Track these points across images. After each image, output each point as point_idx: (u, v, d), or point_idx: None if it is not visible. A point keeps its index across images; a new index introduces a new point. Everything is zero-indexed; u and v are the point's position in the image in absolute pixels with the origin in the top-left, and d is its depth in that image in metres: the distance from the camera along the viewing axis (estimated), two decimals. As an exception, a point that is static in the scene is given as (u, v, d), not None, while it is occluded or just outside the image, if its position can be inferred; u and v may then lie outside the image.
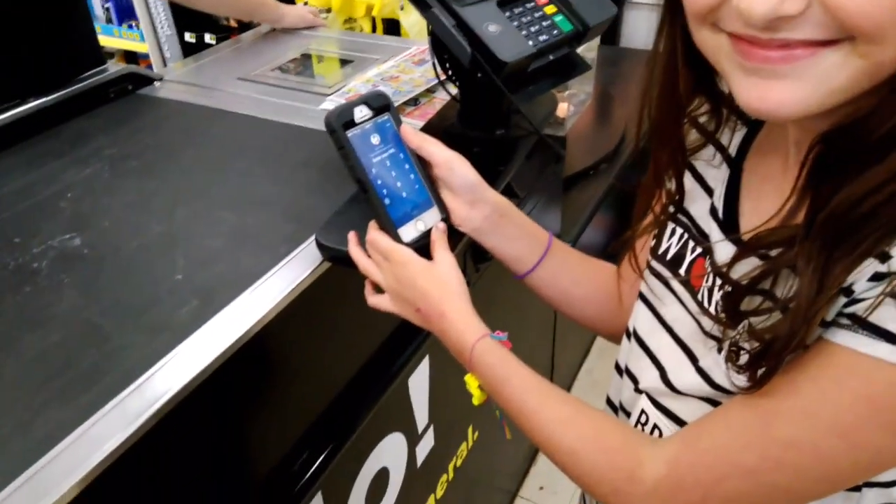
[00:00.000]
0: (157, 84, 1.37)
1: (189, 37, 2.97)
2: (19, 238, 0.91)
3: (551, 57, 0.88)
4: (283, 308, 0.79)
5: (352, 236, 0.76)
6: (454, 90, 1.00)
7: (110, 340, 0.75)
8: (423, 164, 0.75)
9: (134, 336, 0.76)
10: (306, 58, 1.51)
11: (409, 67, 1.42)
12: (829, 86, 0.43)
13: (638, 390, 0.68)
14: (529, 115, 0.93)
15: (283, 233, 0.92)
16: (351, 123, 0.70)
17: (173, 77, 1.41)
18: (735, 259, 0.54)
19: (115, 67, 1.35)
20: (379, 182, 0.71)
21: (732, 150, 0.62)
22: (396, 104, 1.25)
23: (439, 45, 0.91)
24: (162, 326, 0.77)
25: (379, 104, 0.72)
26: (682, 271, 0.63)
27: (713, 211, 0.61)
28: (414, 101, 1.29)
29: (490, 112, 0.95)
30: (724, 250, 0.57)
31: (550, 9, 0.89)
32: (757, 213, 0.57)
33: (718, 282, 0.57)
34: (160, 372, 0.71)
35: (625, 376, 0.72)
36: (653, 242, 0.68)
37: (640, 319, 0.70)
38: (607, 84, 2.30)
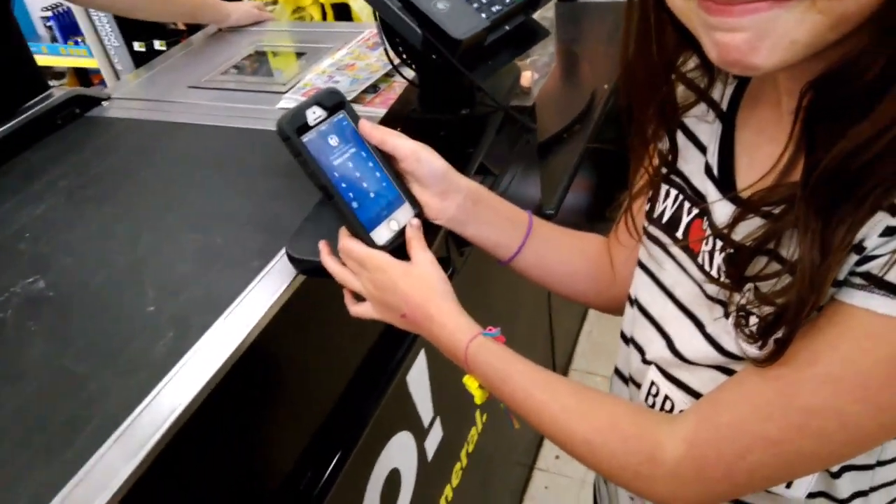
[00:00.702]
0: (105, 104, 1.32)
1: (138, 46, 2.88)
2: (-21, 289, 0.87)
3: (507, 27, 0.84)
4: (262, 329, 0.76)
5: (323, 246, 0.72)
6: (411, 74, 0.95)
7: (87, 386, 0.72)
8: (388, 160, 0.71)
9: (111, 379, 0.72)
10: (258, 55, 1.46)
11: (364, 53, 1.37)
12: (789, 39, 0.42)
13: (646, 361, 0.65)
14: (492, 90, 0.89)
15: (253, 246, 0.88)
16: (305, 127, 0.66)
17: (122, 93, 1.36)
18: (735, 220, 0.51)
19: (59, 92, 1.29)
20: (343, 186, 0.67)
21: (724, 104, 0.59)
22: (355, 93, 1.21)
23: (389, 29, 0.86)
24: (139, 365, 0.73)
25: (332, 102, 0.68)
26: (679, 234, 0.60)
27: (708, 169, 0.58)
28: (373, 88, 1.24)
29: (451, 92, 0.91)
30: (722, 210, 0.55)
31: (500, -24, 0.84)
32: (753, 167, 0.54)
33: (719, 244, 0.54)
34: (143, 415, 0.68)
35: (631, 346, 0.70)
36: (647, 206, 0.65)
37: (641, 287, 0.67)
38: (570, 42, 2.25)
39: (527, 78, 1.16)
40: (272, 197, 0.98)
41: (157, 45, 2.84)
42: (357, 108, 1.19)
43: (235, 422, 0.80)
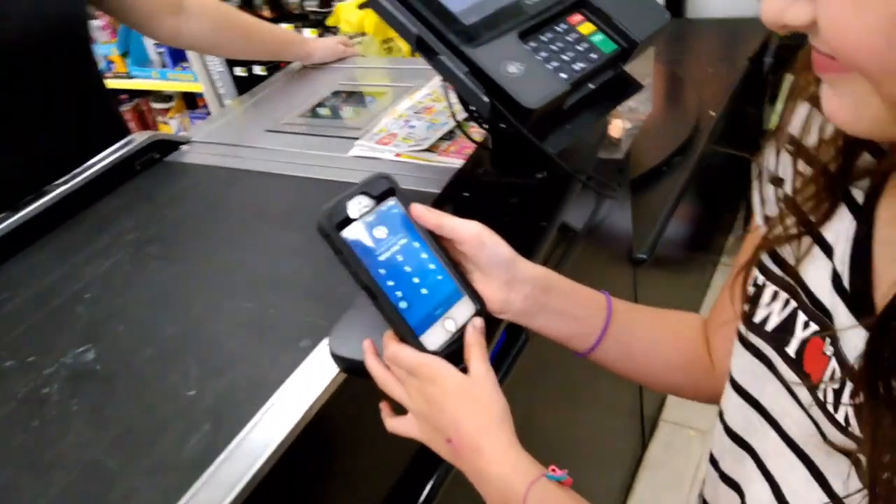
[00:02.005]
0: (184, 148, 1.30)
1: (240, 71, 2.95)
2: (33, 356, 0.85)
3: (591, 86, 0.73)
4: (302, 427, 0.69)
5: (368, 346, 0.64)
6: (479, 131, 0.86)
7: (115, 485, 0.67)
8: (444, 246, 0.62)
9: (139, 478, 0.67)
10: (337, 96, 1.41)
11: (444, 94, 1.29)
12: (868, 108, 0.36)
13: None
14: (573, 148, 0.78)
15: (304, 320, 0.82)
16: (347, 221, 0.58)
17: (202, 137, 1.34)
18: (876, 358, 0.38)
19: (140, 137, 1.29)
20: (390, 284, 0.58)
21: (859, 194, 0.45)
22: (430, 141, 1.13)
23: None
24: (169, 464, 0.68)
25: (381, 190, 0.59)
26: (790, 351, 0.47)
27: (836, 279, 0.44)
28: (450, 135, 1.16)
29: (526, 155, 0.81)
30: (856, 338, 0.42)
31: (587, 27, 0.73)
32: None
33: (850, 384, 0.41)
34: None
35: (721, 484, 0.57)
36: (746, 307, 0.52)
37: (733, 411, 0.54)
38: (673, 63, 2.08)
39: (617, 128, 1.04)
40: (334, 260, 0.91)
41: (258, 70, 2.90)
42: (431, 156, 1.12)
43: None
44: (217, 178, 1.18)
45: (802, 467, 0.47)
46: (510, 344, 0.96)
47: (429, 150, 1.12)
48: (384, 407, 0.64)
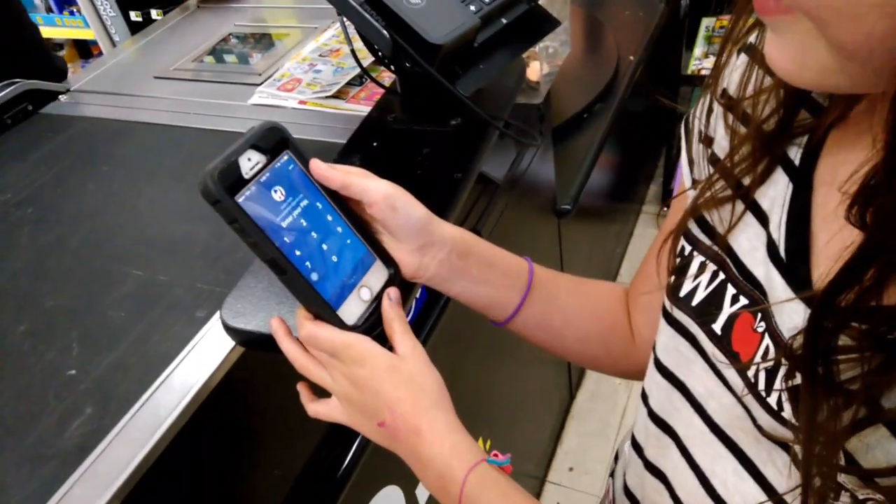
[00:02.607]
0: (62, 98, 1.17)
1: (135, 16, 2.72)
2: None
3: (504, 21, 0.67)
4: (201, 401, 0.62)
5: (278, 326, 0.55)
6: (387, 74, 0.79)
7: (-18, 481, 0.59)
8: (350, 206, 0.55)
9: (10, 471, 0.59)
10: (235, 38, 1.29)
11: (352, 34, 1.20)
12: (814, 54, 0.32)
13: (678, 500, 0.50)
14: (489, 93, 0.72)
15: (201, 288, 0.74)
16: (240, 182, 0.49)
17: (82, 85, 1.21)
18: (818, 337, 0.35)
19: (9, 87, 1.14)
20: (298, 254, 0.50)
21: (795, 155, 0.41)
22: (338, 85, 1.05)
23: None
24: (46, 454, 0.60)
25: (273, 142, 0.51)
26: (717, 327, 0.43)
27: (771, 247, 0.40)
28: (359, 80, 1.08)
29: (437, 99, 0.75)
30: (793, 314, 0.38)
31: (495, -46, 0.67)
32: (840, 250, 0.37)
33: (784, 364, 0.38)
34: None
35: (646, 472, 0.54)
36: (671, 279, 0.49)
37: (657, 392, 0.51)
38: (591, 6, 2.04)
39: (535, 71, 0.99)
40: (232, 219, 0.83)
41: (154, 14, 2.68)
42: (338, 103, 1.04)
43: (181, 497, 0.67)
44: (100, 131, 1.06)
45: (731, 456, 0.44)
46: (432, 302, 0.92)
47: (336, 96, 1.04)
48: (303, 390, 0.57)
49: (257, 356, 0.68)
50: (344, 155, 0.77)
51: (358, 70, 1.08)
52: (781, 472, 0.40)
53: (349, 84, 1.06)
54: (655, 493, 0.53)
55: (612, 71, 1.74)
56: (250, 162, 0.49)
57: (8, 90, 1.12)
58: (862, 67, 0.31)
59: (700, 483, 0.46)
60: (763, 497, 0.41)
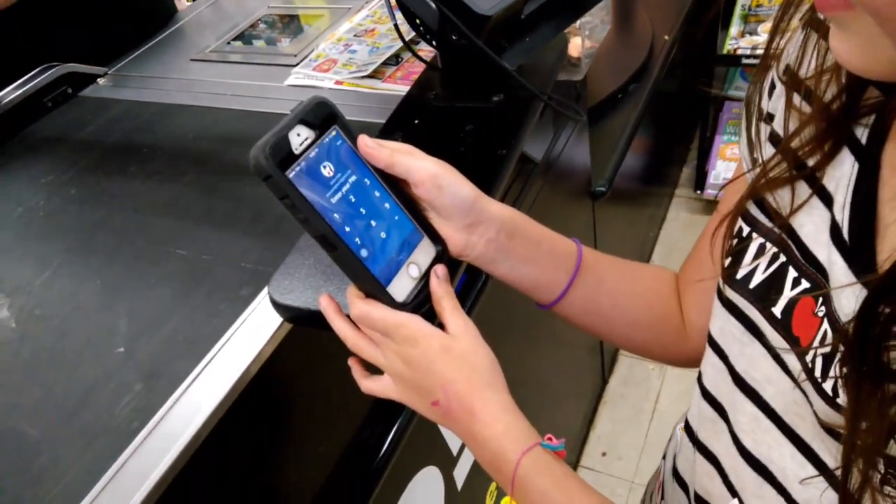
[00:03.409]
0: (100, 81, 1.18)
1: None
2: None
3: (550, -7, 0.65)
4: (245, 384, 0.62)
5: (328, 303, 0.55)
6: (428, 50, 0.78)
7: (38, 455, 0.60)
8: (397, 183, 0.54)
9: (65, 447, 0.60)
10: (270, 19, 1.29)
11: (386, 15, 1.19)
12: (881, 50, 0.31)
13: (731, 486, 0.49)
14: (532, 69, 0.71)
15: (245, 267, 0.74)
16: (290, 157, 0.48)
17: (119, 69, 1.22)
18: (872, 321, 0.33)
19: (49, 70, 1.15)
20: (347, 230, 0.50)
21: (862, 135, 0.39)
22: (374, 65, 1.04)
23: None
24: (98, 430, 0.61)
25: (321, 117, 0.50)
26: (777, 311, 0.42)
27: (835, 230, 0.39)
28: (395, 59, 1.07)
29: (480, 75, 0.74)
30: (852, 298, 0.36)
31: (541, -75, 0.65)
32: None
33: (842, 349, 0.37)
34: (104, 494, 0.55)
35: (698, 454, 0.52)
36: (727, 261, 0.47)
37: (711, 375, 0.50)
38: (626, -15, 2.00)
39: (576, 47, 0.97)
40: (273, 199, 0.83)
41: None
42: (375, 83, 1.03)
43: (227, 483, 0.67)
44: (139, 114, 1.07)
45: (788, 443, 0.42)
46: (470, 284, 0.91)
47: (372, 76, 1.03)
48: (355, 366, 0.57)
49: (302, 335, 0.69)
50: (385, 132, 0.77)
51: (393, 49, 1.07)
52: (837, 460, 0.39)
53: (385, 64, 1.06)
54: (706, 477, 0.51)
55: (647, 50, 1.70)
56: (300, 137, 0.49)
57: (47, 73, 1.13)
58: None
59: (755, 470, 0.45)
60: (825, 485, 0.40)
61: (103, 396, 0.64)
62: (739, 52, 1.99)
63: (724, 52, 2.02)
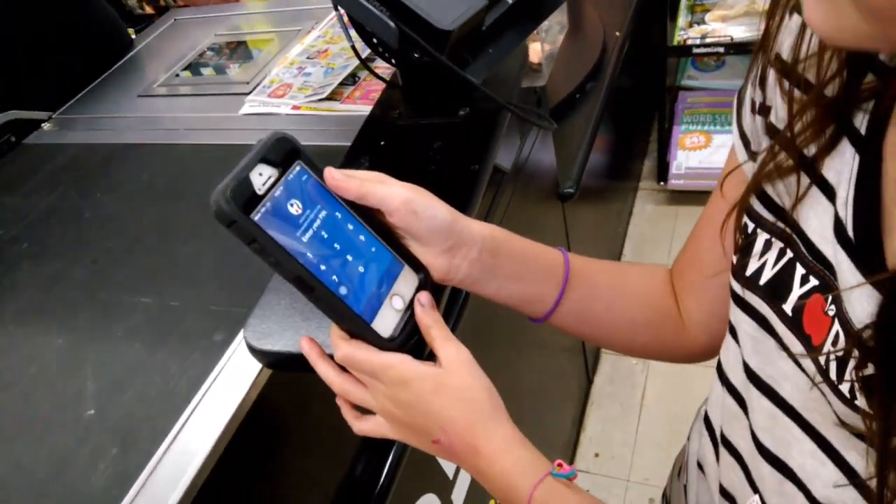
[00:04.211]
0: (45, 126, 1.13)
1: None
2: None
3: (510, 1, 0.63)
4: (231, 435, 0.59)
5: (310, 347, 0.52)
6: (385, 67, 0.75)
7: (9, 539, 0.56)
8: (370, 213, 0.51)
9: (39, 526, 0.56)
10: (219, 48, 1.25)
11: (338, 34, 1.17)
12: (848, 18, 0.29)
13: (751, 479, 0.47)
14: (495, 80, 0.69)
15: (217, 311, 0.71)
16: (253, 199, 0.45)
17: (64, 111, 1.17)
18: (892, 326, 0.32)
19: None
20: (323, 269, 0.47)
21: (861, 123, 0.37)
22: (331, 87, 1.01)
23: (354, 19, 0.66)
24: (79, 499, 0.57)
25: (282, 153, 0.47)
26: (787, 307, 0.40)
27: (838, 226, 0.37)
28: (352, 79, 1.04)
29: (443, 91, 0.71)
30: (863, 299, 0.35)
31: (493, -68, 0.63)
32: None
33: (856, 351, 0.35)
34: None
35: (722, 449, 0.51)
36: (735, 258, 0.46)
37: (732, 365, 0.48)
38: (572, -15, 2.00)
39: (536, 52, 0.95)
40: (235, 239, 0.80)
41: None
42: (333, 105, 1.00)
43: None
44: (89, 157, 1.02)
45: (808, 439, 0.41)
46: (452, 299, 0.88)
47: (330, 97, 1.01)
48: (345, 406, 0.53)
49: (284, 375, 0.65)
50: (351, 157, 0.74)
51: (349, 69, 1.04)
52: (861, 456, 0.37)
53: (342, 84, 1.03)
54: (730, 470, 0.50)
55: (600, 48, 1.70)
56: (262, 177, 0.45)
57: (-11, 121, 1.07)
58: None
59: (775, 468, 0.43)
60: (844, 481, 0.38)
61: (77, 465, 0.59)
62: (689, 42, 2.01)
63: (675, 43, 2.04)
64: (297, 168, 0.47)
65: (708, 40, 1.99)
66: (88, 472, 0.59)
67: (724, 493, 0.51)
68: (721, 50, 1.99)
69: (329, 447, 0.77)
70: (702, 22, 2.06)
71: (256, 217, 0.44)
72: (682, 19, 2.08)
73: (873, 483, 0.36)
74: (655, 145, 2.38)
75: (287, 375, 0.65)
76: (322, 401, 0.72)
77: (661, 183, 2.30)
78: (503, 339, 1.21)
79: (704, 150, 2.21)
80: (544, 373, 1.55)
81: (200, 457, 0.57)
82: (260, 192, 0.44)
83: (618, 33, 1.79)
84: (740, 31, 1.97)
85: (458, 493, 1.00)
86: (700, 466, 0.56)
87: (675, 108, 2.30)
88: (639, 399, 1.81)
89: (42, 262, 0.83)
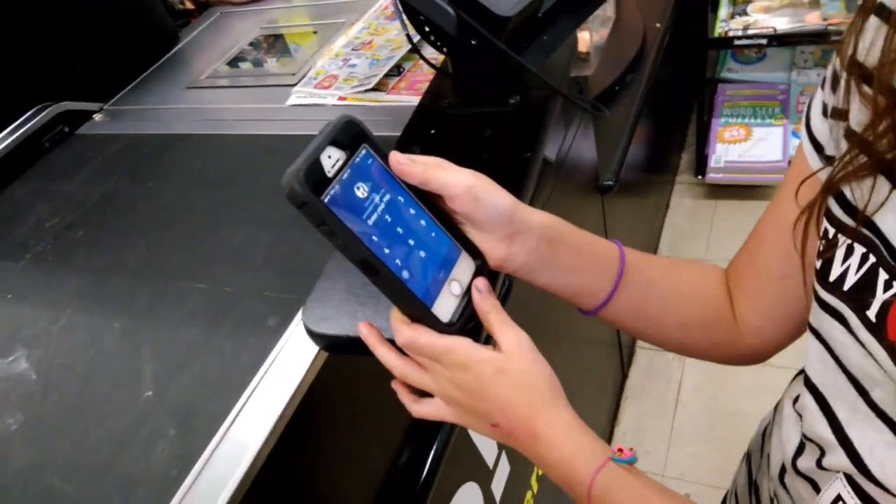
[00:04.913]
0: (96, 118, 1.15)
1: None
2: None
3: (564, -12, 0.63)
4: (289, 417, 0.60)
5: (368, 332, 0.52)
6: (435, 54, 0.75)
7: (75, 514, 0.57)
8: (430, 198, 0.51)
9: (106, 501, 0.57)
10: (264, 39, 1.27)
11: (382, 25, 1.17)
12: None
13: (822, 467, 0.46)
14: (546, 71, 0.69)
15: (270, 297, 0.72)
16: (323, 181, 0.45)
17: (115, 103, 1.19)
18: None
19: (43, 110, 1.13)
20: (387, 252, 0.47)
21: None
22: (376, 78, 1.02)
23: (408, 6, 0.66)
24: (137, 481, 0.58)
25: (350, 136, 0.47)
26: (871, 314, 0.40)
27: None
28: (397, 69, 1.05)
29: (495, 79, 0.71)
30: None
31: (549, -80, 0.63)
32: None
33: None
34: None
35: (804, 438, 0.50)
36: (818, 263, 0.45)
37: (815, 364, 0.47)
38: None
39: (584, 42, 0.95)
40: (290, 223, 0.81)
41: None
42: (379, 96, 1.01)
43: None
44: (140, 147, 1.04)
45: (891, 436, 0.40)
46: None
47: (376, 88, 1.01)
48: (401, 390, 0.54)
49: (336, 361, 0.66)
50: (402, 146, 0.74)
51: (394, 60, 1.05)
52: None
53: (387, 75, 1.03)
54: (808, 457, 0.49)
55: (641, 39, 1.69)
56: (331, 159, 0.46)
57: (43, 114, 1.10)
58: None
59: (851, 461, 0.43)
60: None
61: (137, 445, 0.61)
62: (730, 34, 1.98)
63: (716, 35, 2.01)
64: (364, 151, 0.48)
65: (750, 32, 1.95)
66: (148, 453, 0.60)
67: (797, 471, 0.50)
68: (764, 42, 1.95)
69: (376, 435, 0.78)
70: (744, 13, 2.03)
71: (326, 199, 0.44)
72: (724, 10, 2.05)
73: None
74: (694, 138, 2.35)
75: (338, 364, 0.66)
76: (368, 389, 0.73)
77: (699, 177, 2.27)
78: (540, 331, 1.21)
79: (744, 144, 2.17)
80: (580, 366, 1.55)
81: (259, 440, 0.58)
82: (329, 175, 0.45)
83: (658, 25, 1.77)
84: (783, 23, 1.93)
85: (498, 483, 1.01)
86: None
87: (715, 101, 2.27)
88: (674, 394, 1.80)
89: (98, 248, 0.86)
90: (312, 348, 0.63)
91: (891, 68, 0.37)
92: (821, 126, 0.45)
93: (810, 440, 0.48)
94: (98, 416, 0.65)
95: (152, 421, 0.63)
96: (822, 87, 0.44)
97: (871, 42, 0.39)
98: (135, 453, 0.60)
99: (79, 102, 1.15)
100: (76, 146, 1.09)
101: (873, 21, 0.39)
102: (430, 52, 0.80)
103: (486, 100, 0.74)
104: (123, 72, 1.24)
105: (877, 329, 0.39)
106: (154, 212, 0.89)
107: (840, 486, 0.44)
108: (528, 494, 1.14)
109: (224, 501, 0.53)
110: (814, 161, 0.46)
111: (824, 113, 0.44)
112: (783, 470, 0.53)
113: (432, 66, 0.75)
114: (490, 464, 0.97)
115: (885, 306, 0.38)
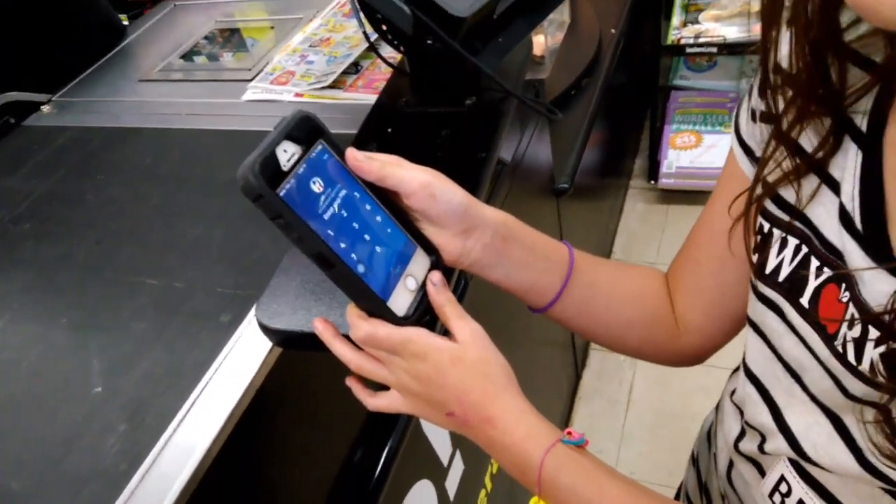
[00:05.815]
0: (44, 109, 1.12)
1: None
2: None
3: (520, -9, 0.65)
4: (241, 412, 0.60)
5: (323, 327, 0.52)
6: (393, 52, 0.76)
7: (24, 510, 0.56)
8: (385, 194, 0.52)
9: (56, 498, 0.56)
10: (220, 34, 1.26)
11: (340, 22, 1.17)
12: None
13: (764, 451, 0.49)
14: (501, 74, 0.70)
15: (223, 293, 0.71)
16: (278, 175, 0.45)
17: (64, 94, 1.16)
18: None
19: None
20: (343, 247, 0.48)
21: (862, 123, 0.40)
22: (334, 75, 1.02)
23: (365, 4, 0.67)
24: (87, 476, 0.57)
25: (306, 131, 0.48)
26: (804, 301, 0.42)
27: (844, 216, 0.40)
28: (355, 67, 1.05)
29: (451, 80, 0.72)
30: (878, 283, 0.37)
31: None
32: None
33: (873, 331, 0.37)
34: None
35: (741, 420, 0.53)
36: (754, 257, 0.48)
37: (754, 354, 0.50)
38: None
39: (539, 45, 0.97)
40: (245, 219, 0.80)
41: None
42: (336, 93, 1.01)
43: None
44: (90, 140, 1.02)
45: (828, 422, 0.43)
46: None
47: (333, 86, 1.01)
48: (356, 385, 0.54)
49: (288, 358, 0.66)
50: (358, 144, 0.75)
51: (352, 58, 1.05)
52: (864, 433, 0.39)
53: (344, 73, 1.03)
54: (750, 443, 0.52)
55: (596, 44, 1.72)
56: (287, 153, 0.46)
57: (-11, 102, 1.07)
58: None
59: (789, 444, 0.45)
60: (850, 458, 0.40)
61: (86, 440, 0.60)
62: (682, 42, 2.03)
63: (668, 42, 2.06)
64: (320, 147, 0.48)
65: (701, 40, 2.01)
66: (98, 449, 0.59)
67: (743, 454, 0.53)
68: (714, 50, 2.01)
69: (329, 432, 0.78)
70: (696, 21, 2.08)
71: (282, 193, 0.45)
72: (677, 18, 2.10)
73: (873, 459, 0.38)
74: (647, 144, 2.41)
75: (290, 360, 0.66)
76: (322, 388, 0.74)
77: (652, 182, 2.32)
78: (497, 332, 1.22)
79: (695, 150, 2.24)
80: (534, 367, 1.57)
81: (209, 436, 0.57)
82: (285, 169, 0.45)
83: (613, 30, 1.81)
84: (733, 32, 2.00)
85: (452, 481, 1.02)
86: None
87: (667, 108, 2.33)
88: (626, 394, 1.84)
89: (45, 242, 0.84)
90: (266, 344, 0.63)
91: (807, 71, 0.40)
92: (749, 131, 0.47)
93: (752, 427, 0.50)
94: (46, 412, 0.64)
95: (102, 416, 0.62)
96: (750, 95, 0.46)
97: (788, 48, 0.42)
98: (84, 449, 0.59)
99: (25, 93, 1.12)
100: (23, 137, 1.06)
101: (786, 32, 0.42)
102: (388, 50, 0.80)
103: (443, 100, 0.75)
104: (71, 63, 1.21)
105: (809, 313, 0.41)
106: (104, 205, 0.87)
107: (783, 467, 0.47)
108: (482, 493, 1.16)
109: (174, 497, 0.53)
110: (744, 164, 0.48)
111: (753, 118, 0.46)
112: (730, 465, 0.56)
113: (390, 64, 0.76)
114: (444, 461, 0.98)
115: (818, 291, 0.41)
